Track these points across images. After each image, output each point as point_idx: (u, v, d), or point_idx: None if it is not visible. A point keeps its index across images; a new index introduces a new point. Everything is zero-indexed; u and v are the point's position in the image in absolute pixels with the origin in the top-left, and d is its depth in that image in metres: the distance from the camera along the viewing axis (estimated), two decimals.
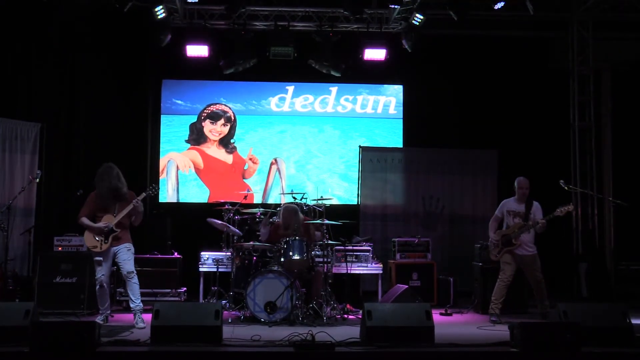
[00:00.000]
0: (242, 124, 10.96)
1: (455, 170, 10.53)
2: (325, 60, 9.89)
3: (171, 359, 5.47)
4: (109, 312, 7.24)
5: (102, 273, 7.03)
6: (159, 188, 7.33)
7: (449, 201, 10.46)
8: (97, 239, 7.02)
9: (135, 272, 7.16)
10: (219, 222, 8.30)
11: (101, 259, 7.03)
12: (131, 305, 7.13)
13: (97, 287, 7.09)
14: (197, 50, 9.87)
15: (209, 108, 10.94)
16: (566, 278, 9.86)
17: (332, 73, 10.01)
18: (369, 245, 9.05)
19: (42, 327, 5.44)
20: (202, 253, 8.66)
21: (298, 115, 11.05)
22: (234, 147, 10.91)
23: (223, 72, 9.99)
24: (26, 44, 9.79)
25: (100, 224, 7.03)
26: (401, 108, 11.12)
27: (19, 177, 9.05)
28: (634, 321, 5.97)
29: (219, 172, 10.86)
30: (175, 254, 8.75)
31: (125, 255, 7.11)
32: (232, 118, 10.95)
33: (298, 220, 7.81)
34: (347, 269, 8.43)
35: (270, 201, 10.64)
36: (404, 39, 9.88)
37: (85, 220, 7.09)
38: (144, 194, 7.18)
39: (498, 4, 9.27)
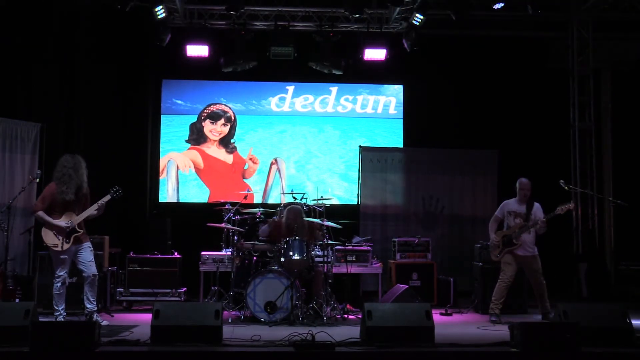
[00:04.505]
0: (242, 124, 10.96)
1: (455, 170, 10.52)
2: (325, 60, 9.89)
3: (171, 359, 5.47)
4: (65, 313, 6.87)
5: (64, 271, 6.78)
6: (121, 190, 6.95)
7: (448, 201, 10.46)
8: (58, 237, 6.69)
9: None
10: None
11: (66, 257, 6.75)
12: (89, 306, 6.82)
13: (59, 284, 6.77)
14: (197, 50, 9.88)
15: (209, 108, 10.94)
16: (566, 278, 9.86)
17: (334, 72, 10.00)
18: (369, 245, 9.05)
19: (42, 327, 5.42)
20: (202, 253, 8.67)
21: (298, 115, 11.05)
22: (234, 147, 10.91)
23: (222, 70, 9.95)
24: (26, 44, 9.78)
25: (61, 222, 6.69)
26: (401, 108, 11.12)
27: (19, 177, 9.05)
28: (634, 321, 5.96)
29: (219, 172, 10.86)
30: (175, 254, 8.75)
31: (90, 256, 6.85)
32: (232, 118, 10.95)
33: (302, 223, 7.78)
34: (347, 269, 8.42)
35: (270, 201, 10.64)
36: (404, 39, 9.89)
37: (44, 216, 6.70)
38: (108, 197, 6.84)
39: (498, 4, 9.29)
